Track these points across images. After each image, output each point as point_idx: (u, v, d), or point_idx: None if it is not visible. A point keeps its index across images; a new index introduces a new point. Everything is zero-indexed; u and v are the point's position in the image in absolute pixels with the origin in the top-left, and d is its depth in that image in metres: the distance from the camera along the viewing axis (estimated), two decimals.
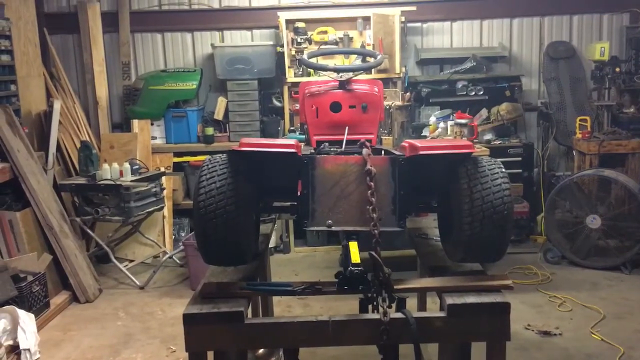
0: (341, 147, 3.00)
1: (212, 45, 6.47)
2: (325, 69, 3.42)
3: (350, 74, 3.35)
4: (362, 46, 6.29)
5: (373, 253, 2.25)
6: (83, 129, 6.32)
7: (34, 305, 4.52)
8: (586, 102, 6.43)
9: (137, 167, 5.59)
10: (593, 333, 4.21)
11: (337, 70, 3.36)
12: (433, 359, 3.44)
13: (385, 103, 5.51)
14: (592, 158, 5.72)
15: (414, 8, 6.28)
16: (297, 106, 3.73)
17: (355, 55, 5.90)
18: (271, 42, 6.39)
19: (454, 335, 2.33)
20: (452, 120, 5.96)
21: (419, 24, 6.64)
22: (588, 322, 4.37)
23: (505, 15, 6.66)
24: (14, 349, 3.91)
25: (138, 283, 5.44)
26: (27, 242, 4.85)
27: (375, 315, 2.20)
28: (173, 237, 6.36)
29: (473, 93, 6.31)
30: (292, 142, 2.46)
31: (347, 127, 3.17)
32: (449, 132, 5.89)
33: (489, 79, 6.38)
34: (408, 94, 6.17)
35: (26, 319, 4.03)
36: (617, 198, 5.44)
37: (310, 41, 6.28)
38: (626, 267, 5.35)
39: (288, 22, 6.25)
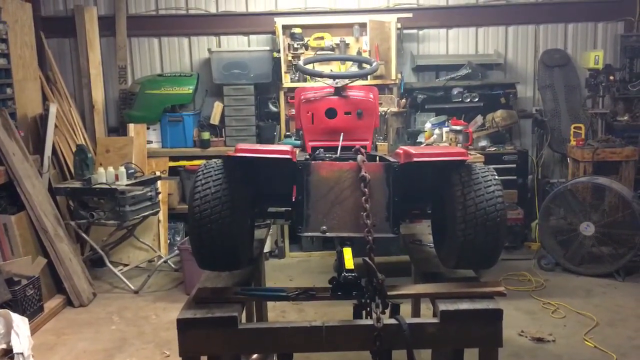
0: (336, 154, 3.02)
1: (208, 50, 6.49)
2: (321, 75, 3.45)
3: (346, 81, 3.37)
4: (359, 52, 6.31)
5: (367, 259, 2.27)
6: (79, 132, 6.32)
7: (27, 309, 4.51)
8: (580, 110, 6.47)
9: (132, 171, 5.59)
10: (586, 340, 4.22)
11: (333, 77, 3.39)
12: None
13: (381, 109, 5.54)
14: (586, 165, 5.75)
15: (410, 15, 6.31)
16: (293, 111, 3.75)
17: (351, 62, 5.93)
18: (268, 48, 6.41)
19: (446, 342, 2.35)
20: (448, 126, 5.99)
21: (415, 31, 6.67)
22: (581, 329, 4.39)
23: (501, 23, 6.70)
24: (8, 353, 3.89)
25: (132, 287, 5.43)
26: (22, 246, 4.84)
27: (369, 321, 2.21)
28: (168, 241, 6.36)
29: (468, 100, 6.33)
30: (287, 148, 2.48)
31: (342, 134, 3.19)
32: (444, 138, 5.91)
33: (484, 86, 6.40)
34: (404, 100, 6.20)
35: (20, 322, 4.02)
36: (610, 205, 5.46)
37: (306, 47, 6.30)
38: (619, 274, 5.37)
39: (285, 27, 6.27)
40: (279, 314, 4.74)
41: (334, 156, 2.96)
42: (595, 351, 4.07)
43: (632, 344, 4.17)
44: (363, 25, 6.27)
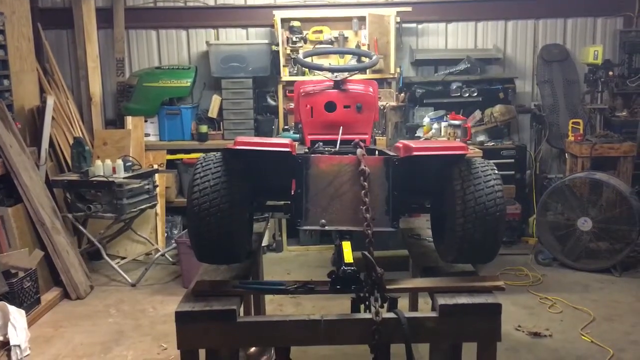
0: (335, 147, 3.01)
1: (207, 42, 6.46)
2: (320, 68, 3.43)
3: (346, 74, 3.36)
4: (358, 46, 6.29)
5: (366, 253, 2.26)
6: (76, 125, 6.30)
7: (24, 301, 4.50)
8: (579, 105, 6.47)
9: (130, 164, 5.58)
10: (583, 335, 4.24)
11: (332, 70, 3.37)
12: (424, 359, 3.45)
13: (380, 103, 5.52)
14: (584, 161, 5.75)
15: (409, 9, 6.29)
16: (292, 105, 3.74)
17: (351, 55, 5.91)
18: (266, 41, 6.39)
19: (445, 336, 2.34)
20: (446, 121, 5.98)
21: (414, 25, 6.65)
22: (578, 324, 4.40)
23: (500, 18, 6.69)
24: (4, 345, 3.90)
25: (130, 280, 5.43)
26: (19, 238, 4.83)
27: (368, 315, 2.21)
28: (165, 234, 6.35)
29: (467, 94, 6.32)
30: (286, 141, 2.47)
31: (341, 127, 3.18)
32: (442, 133, 5.91)
33: (483, 80, 6.40)
34: (402, 94, 6.19)
35: (17, 315, 4.02)
36: (608, 201, 5.47)
37: (305, 40, 6.28)
38: (617, 270, 5.38)
39: (283, 20, 6.24)
40: (277, 307, 4.74)
41: (333, 150, 2.95)
42: (592, 346, 4.08)
43: (628, 339, 4.19)
44: (362, 19, 6.25)
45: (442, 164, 2.54)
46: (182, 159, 6.40)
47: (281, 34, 6.22)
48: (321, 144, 3.12)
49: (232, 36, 6.71)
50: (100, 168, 5.35)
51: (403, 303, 2.36)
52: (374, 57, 3.57)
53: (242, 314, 2.45)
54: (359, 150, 2.61)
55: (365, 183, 2.43)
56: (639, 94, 6.34)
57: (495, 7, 6.67)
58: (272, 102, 6.52)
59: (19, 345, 3.92)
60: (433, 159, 2.52)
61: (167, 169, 6.36)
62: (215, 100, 6.46)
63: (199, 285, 2.46)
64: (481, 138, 6.18)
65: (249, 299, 3.76)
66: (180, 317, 2.26)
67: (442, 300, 2.29)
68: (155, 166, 6.10)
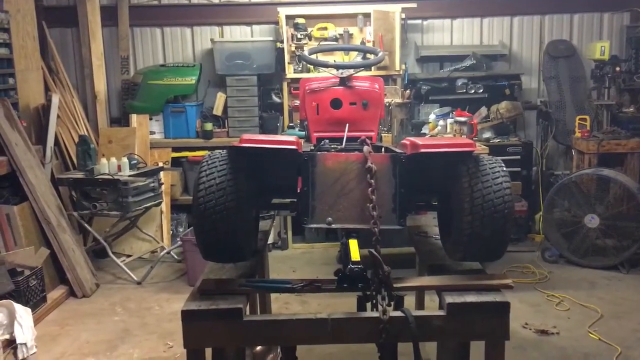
0: (341, 144, 2.99)
1: (211, 40, 6.45)
2: (325, 65, 3.42)
3: (351, 71, 3.34)
4: (362, 43, 6.27)
5: (373, 251, 2.24)
6: (81, 123, 6.30)
7: (30, 299, 4.51)
8: (586, 101, 6.43)
9: (135, 162, 5.57)
10: (590, 332, 4.21)
11: (337, 67, 3.36)
12: (432, 357, 3.44)
13: (385, 100, 5.50)
14: (591, 157, 5.72)
15: (414, 5, 6.26)
16: (297, 102, 3.72)
17: (356, 52, 5.89)
18: (271, 38, 6.37)
19: (453, 334, 2.33)
20: (452, 118, 5.94)
21: (419, 21, 6.62)
22: (585, 322, 4.38)
23: (506, 14, 6.65)
24: (11, 343, 3.90)
25: (135, 278, 5.43)
26: (25, 236, 4.83)
27: (375, 314, 2.20)
28: (171, 232, 6.35)
29: (473, 91, 6.29)
30: (292, 138, 2.46)
31: (347, 124, 3.16)
32: (448, 130, 5.88)
33: (488, 77, 6.36)
34: (408, 91, 6.16)
35: (23, 313, 4.02)
36: (615, 197, 5.44)
37: (310, 37, 6.26)
38: (624, 267, 5.35)
39: (288, 17, 6.22)
40: (282, 305, 4.73)
41: (339, 147, 2.94)
42: (600, 343, 4.06)
43: (636, 336, 4.16)
44: (367, 15, 6.23)
45: (450, 161, 2.51)
46: (187, 156, 6.40)
47: (286, 31, 6.20)
48: (327, 141, 3.11)
49: (237, 33, 6.69)
50: (106, 166, 5.35)
51: (409, 301, 2.34)
52: (379, 54, 3.55)
53: (248, 312, 2.44)
54: (365, 148, 2.60)
55: (372, 180, 2.41)
56: None
57: (501, 2, 6.63)
58: (277, 100, 6.50)
59: (25, 344, 3.92)
60: (440, 156, 2.50)
61: (172, 166, 6.36)
62: (220, 97, 6.45)
63: (204, 284, 2.45)
64: (487, 135, 6.15)
65: (254, 297, 3.75)
66: (186, 316, 2.25)
67: (449, 299, 2.27)
68: (161, 164, 6.09)
